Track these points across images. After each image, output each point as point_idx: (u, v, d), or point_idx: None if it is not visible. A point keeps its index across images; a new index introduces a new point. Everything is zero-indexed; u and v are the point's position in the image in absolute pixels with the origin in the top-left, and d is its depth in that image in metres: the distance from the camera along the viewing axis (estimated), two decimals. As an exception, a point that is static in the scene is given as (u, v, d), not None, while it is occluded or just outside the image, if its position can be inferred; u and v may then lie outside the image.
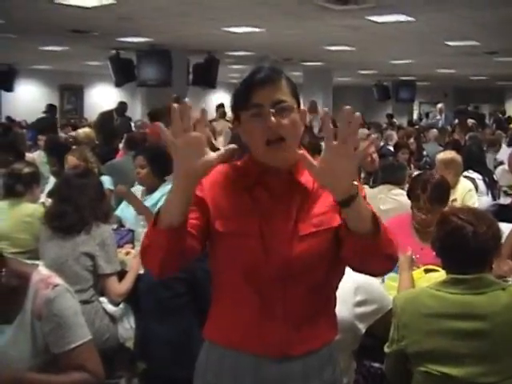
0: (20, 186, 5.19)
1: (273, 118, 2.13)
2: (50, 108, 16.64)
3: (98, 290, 4.38)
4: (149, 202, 5.81)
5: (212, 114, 15.78)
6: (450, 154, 6.91)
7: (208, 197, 2.23)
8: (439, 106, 19.64)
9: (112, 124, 12.44)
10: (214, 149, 7.57)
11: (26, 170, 5.31)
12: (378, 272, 2.37)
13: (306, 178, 2.25)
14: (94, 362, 2.76)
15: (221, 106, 15.90)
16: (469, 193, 6.66)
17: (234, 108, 2.30)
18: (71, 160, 6.48)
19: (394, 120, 22.70)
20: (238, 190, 2.24)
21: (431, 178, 4.47)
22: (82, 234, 4.31)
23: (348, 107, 1.85)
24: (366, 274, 2.37)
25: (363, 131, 13.19)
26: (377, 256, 2.09)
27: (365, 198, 2.12)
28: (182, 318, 3.54)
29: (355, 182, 1.96)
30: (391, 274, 3.65)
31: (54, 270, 4.01)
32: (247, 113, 2.20)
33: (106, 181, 6.25)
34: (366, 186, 6.92)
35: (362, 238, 2.02)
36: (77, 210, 4.37)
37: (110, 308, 4.38)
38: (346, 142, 1.87)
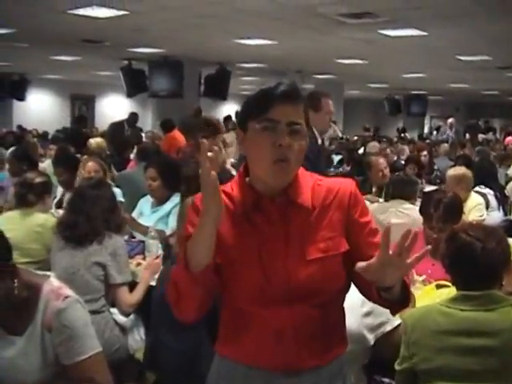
0: (31, 196, 5.19)
1: (287, 138, 2.10)
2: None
3: (109, 300, 4.37)
4: (159, 213, 5.83)
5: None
6: (460, 169, 6.91)
7: None
8: (449, 120, 19.62)
9: (123, 134, 12.47)
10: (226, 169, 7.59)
11: (38, 179, 5.30)
12: (393, 313, 2.41)
13: (303, 199, 2.22)
14: (104, 374, 2.75)
15: (228, 118, 15.90)
16: (477, 206, 6.68)
17: (244, 116, 2.22)
18: (92, 166, 6.52)
19: (407, 134, 22.68)
20: (236, 218, 2.19)
21: (444, 196, 4.43)
22: (94, 244, 4.31)
23: (409, 229, 1.93)
24: None
25: (375, 145, 13.25)
26: (399, 306, 2.21)
27: None
28: (193, 329, 3.51)
29: None
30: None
31: (65, 279, 4.03)
32: (259, 125, 2.13)
33: (117, 193, 6.24)
34: (380, 200, 6.97)
35: (390, 301, 2.13)
36: (89, 220, 4.38)
37: (121, 319, 4.38)
38: (401, 256, 1.94)
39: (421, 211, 4.51)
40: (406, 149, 13.48)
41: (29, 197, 5.18)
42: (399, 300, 2.14)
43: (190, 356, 3.53)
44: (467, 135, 18.34)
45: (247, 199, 2.21)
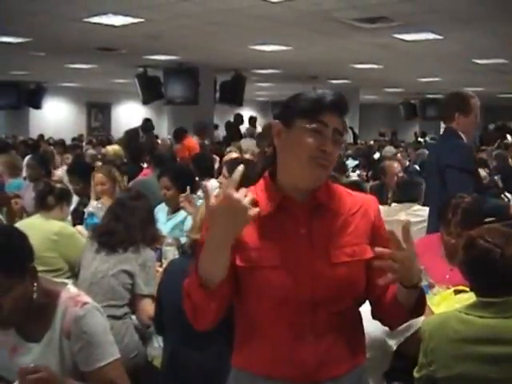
0: (51, 198, 5.21)
1: (330, 145, 2.15)
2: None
3: (132, 309, 4.38)
4: (174, 220, 5.83)
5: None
6: (477, 173, 6.85)
7: None
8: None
9: (138, 141, 12.49)
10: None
11: (59, 185, 5.42)
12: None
13: (330, 202, 2.24)
14: (125, 380, 2.76)
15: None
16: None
17: (291, 112, 2.22)
18: (98, 177, 6.52)
19: (427, 138, 22.55)
20: (260, 221, 2.14)
21: (462, 201, 4.39)
22: (128, 252, 4.35)
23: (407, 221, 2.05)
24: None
25: (390, 149, 13.22)
26: (409, 316, 2.29)
27: None
28: (212, 342, 3.46)
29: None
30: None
31: (91, 282, 4.08)
32: (310, 125, 2.14)
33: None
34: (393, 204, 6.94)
35: (405, 308, 2.20)
36: (127, 228, 4.43)
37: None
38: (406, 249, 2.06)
39: (439, 216, 4.47)
40: (426, 152, 13.39)
41: (49, 199, 5.21)
42: (412, 309, 2.19)
43: (210, 368, 3.49)
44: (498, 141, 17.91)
45: (272, 201, 2.21)
